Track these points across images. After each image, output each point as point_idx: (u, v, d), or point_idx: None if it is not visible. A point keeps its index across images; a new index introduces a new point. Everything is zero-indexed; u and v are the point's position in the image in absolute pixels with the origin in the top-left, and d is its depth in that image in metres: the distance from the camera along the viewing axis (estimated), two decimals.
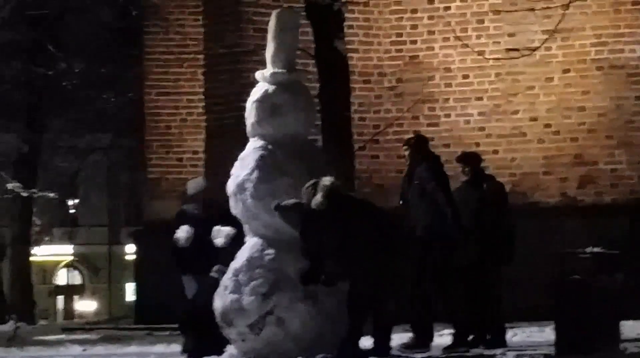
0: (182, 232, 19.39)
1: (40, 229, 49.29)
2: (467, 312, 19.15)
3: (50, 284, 70.72)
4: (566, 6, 24.88)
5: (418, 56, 28.80)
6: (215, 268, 17.92)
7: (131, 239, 50.06)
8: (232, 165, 17.92)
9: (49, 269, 69.66)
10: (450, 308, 19.25)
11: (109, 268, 69.68)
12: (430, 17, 28.76)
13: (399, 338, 18.75)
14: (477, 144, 26.06)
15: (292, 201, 16.55)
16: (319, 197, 16.09)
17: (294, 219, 16.37)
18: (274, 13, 18.82)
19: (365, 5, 28.31)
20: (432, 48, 28.76)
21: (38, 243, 51.52)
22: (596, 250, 17.90)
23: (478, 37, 28.41)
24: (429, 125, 28.68)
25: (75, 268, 73.74)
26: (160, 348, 21.91)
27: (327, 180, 16.32)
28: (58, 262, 71.70)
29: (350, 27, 25.93)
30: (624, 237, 23.56)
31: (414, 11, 28.80)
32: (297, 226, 16.25)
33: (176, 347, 18.81)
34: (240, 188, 17.42)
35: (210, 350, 17.75)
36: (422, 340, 18.76)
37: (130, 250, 59.57)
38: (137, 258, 35.77)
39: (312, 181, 16.43)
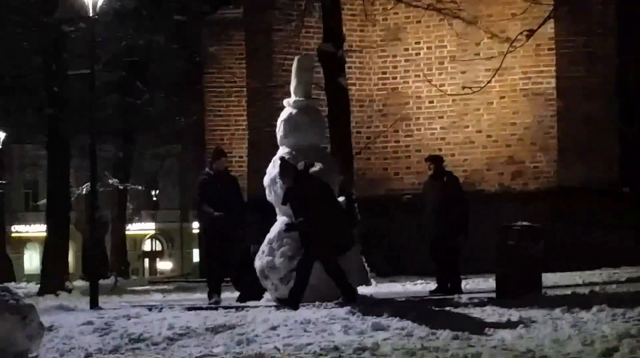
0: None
1: (132, 211, 49.21)
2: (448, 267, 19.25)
3: (139, 250, 70.75)
4: (504, 54, 24.86)
5: (398, 87, 28.75)
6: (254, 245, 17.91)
7: (195, 218, 50.26)
8: (267, 166, 17.91)
9: (138, 240, 69.67)
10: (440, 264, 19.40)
11: (180, 238, 69.65)
12: (406, 60, 28.70)
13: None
14: (440, 149, 26.01)
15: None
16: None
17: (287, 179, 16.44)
18: (296, 58, 18.77)
19: (360, 53, 28.29)
20: (408, 82, 28.71)
21: (131, 221, 51.47)
22: (524, 224, 17.90)
23: (439, 74, 28.37)
24: (405, 136, 28.67)
25: (157, 238, 73.82)
26: None
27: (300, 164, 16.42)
28: (145, 234, 71.74)
29: (349, 67, 25.87)
30: (544, 215, 23.51)
31: (395, 56, 28.75)
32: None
33: (229, 294, 18.77)
34: (273, 181, 17.39)
35: (253, 296, 17.78)
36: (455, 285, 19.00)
37: (195, 226, 60.08)
38: (200, 232, 35.85)
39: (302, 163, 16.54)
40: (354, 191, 19.90)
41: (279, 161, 17.06)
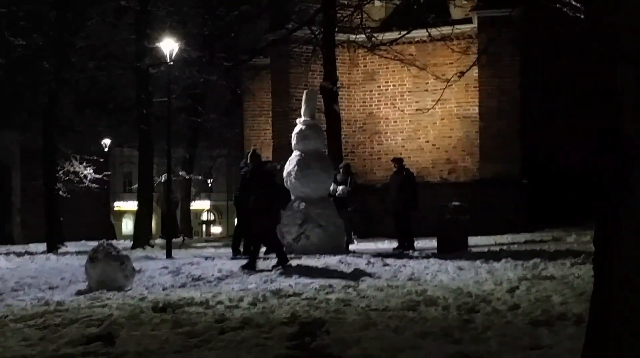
0: (341, 188, 19.23)
1: (194, 193, 49.17)
2: (405, 232, 19.22)
3: (199, 219, 70.62)
4: (443, 89, 24.88)
5: (373, 111, 28.73)
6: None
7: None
8: (285, 164, 17.95)
9: (198, 212, 69.51)
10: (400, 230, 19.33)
11: (227, 212, 69.51)
12: (379, 94, 28.68)
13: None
14: (401, 153, 25.99)
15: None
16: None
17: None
18: (305, 91, 18.83)
19: (348, 88, 28.28)
20: (379, 108, 28.68)
21: (194, 199, 51.44)
22: (456, 203, 17.92)
23: (401, 102, 28.36)
24: (377, 145, 28.64)
25: (211, 212, 73.64)
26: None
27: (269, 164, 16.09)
28: (203, 209, 71.54)
29: (341, 98, 25.86)
30: (470, 197, 23.51)
31: (371, 90, 28.72)
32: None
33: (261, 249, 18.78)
34: (289, 174, 17.44)
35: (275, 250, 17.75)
36: (410, 244, 18.83)
37: None
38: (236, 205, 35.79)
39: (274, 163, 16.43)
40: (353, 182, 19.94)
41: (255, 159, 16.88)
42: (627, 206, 3.40)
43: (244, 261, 14.96)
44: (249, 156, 16.75)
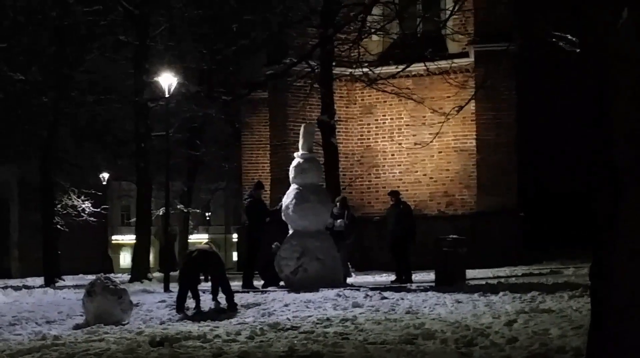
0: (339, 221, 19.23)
1: (193, 226, 49.07)
2: (403, 265, 19.23)
3: None
4: (441, 123, 24.91)
5: (370, 145, 28.76)
6: (275, 244, 17.88)
7: (235, 232, 50.06)
8: (283, 197, 17.97)
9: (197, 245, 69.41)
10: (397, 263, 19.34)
11: (224, 245, 69.30)
12: (376, 127, 28.74)
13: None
14: (398, 186, 25.98)
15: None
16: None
17: None
18: (303, 125, 18.89)
19: (345, 122, 28.34)
20: (377, 141, 28.72)
21: (192, 233, 51.32)
22: (453, 236, 17.91)
23: (399, 136, 28.41)
24: (375, 178, 28.65)
25: (209, 245, 73.33)
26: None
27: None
28: (200, 242, 71.18)
29: (338, 132, 25.92)
30: (466, 230, 23.48)
31: (369, 124, 28.78)
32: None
33: (256, 282, 18.71)
34: (287, 207, 17.43)
35: (273, 284, 17.73)
36: (408, 277, 18.89)
37: (235, 237, 59.67)
38: (238, 241, 35.73)
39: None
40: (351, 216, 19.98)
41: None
42: (621, 233, 3.41)
43: (243, 294, 14.92)
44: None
